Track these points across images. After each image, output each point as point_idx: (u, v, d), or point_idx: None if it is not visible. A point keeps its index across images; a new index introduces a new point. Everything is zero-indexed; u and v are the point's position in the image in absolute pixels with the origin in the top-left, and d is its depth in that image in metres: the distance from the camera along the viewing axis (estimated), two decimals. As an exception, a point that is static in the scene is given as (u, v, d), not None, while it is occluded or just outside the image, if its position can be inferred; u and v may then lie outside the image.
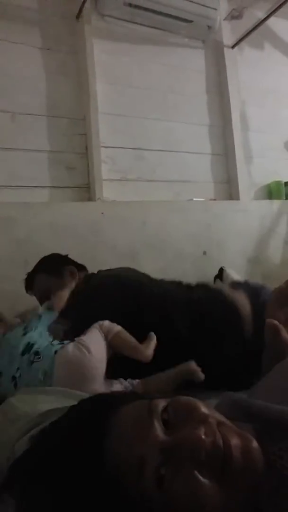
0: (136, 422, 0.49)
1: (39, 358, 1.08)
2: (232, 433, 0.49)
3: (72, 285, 1.45)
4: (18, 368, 1.08)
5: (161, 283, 1.43)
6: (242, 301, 1.32)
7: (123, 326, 1.20)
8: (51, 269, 1.51)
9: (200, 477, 0.45)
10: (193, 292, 1.40)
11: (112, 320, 1.21)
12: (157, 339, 1.20)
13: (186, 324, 1.25)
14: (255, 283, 1.57)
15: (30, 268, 1.81)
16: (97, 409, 0.54)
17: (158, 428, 0.48)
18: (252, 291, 1.39)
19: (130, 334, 1.19)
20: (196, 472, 0.45)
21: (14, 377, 1.08)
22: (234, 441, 0.47)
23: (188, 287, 1.45)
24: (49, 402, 0.91)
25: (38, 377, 1.05)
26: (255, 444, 0.48)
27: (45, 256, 1.59)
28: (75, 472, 0.47)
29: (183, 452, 0.46)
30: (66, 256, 1.60)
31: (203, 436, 0.47)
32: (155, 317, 1.26)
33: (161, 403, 0.51)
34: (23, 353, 1.10)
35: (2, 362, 1.12)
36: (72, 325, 1.24)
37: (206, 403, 0.54)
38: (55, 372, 1.04)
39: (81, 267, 1.57)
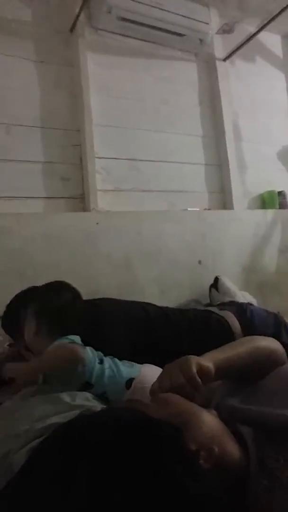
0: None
1: None
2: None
3: None
4: None
5: (160, 313, 1.44)
6: (231, 318, 1.38)
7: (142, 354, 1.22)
8: None
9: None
10: (189, 314, 1.45)
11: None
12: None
13: (190, 341, 1.29)
14: (240, 303, 1.65)
15: (24, 279, 1.81)
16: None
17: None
18: (239, 309, 1.45)
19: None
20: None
21: None
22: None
23: (181, 311, 1.51)
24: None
25: None
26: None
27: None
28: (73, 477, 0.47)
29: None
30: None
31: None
32: (168, 344, 1.30)
33: None
34: None
35: None
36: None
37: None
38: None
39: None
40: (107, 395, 1.07)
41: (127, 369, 1.11)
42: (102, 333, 1.26)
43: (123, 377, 1.09)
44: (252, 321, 1.36)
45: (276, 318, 1.41)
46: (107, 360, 1.14)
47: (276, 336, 1.28)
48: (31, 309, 1.26)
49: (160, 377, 0.70)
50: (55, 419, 0.87)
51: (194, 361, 0.69)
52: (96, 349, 1.16)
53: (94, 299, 1.51)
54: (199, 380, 0.66)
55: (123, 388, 1.07)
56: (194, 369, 0.67)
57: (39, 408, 0.93)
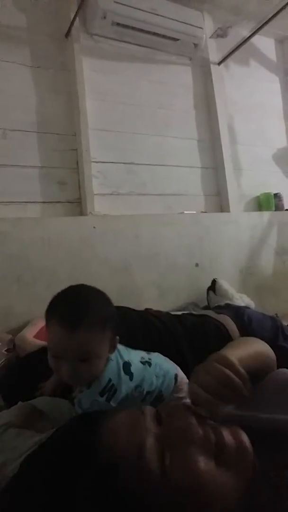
0: (131, 420, 0.51)
1: None
2: (221, 426, 0.52)
3: None
4: None
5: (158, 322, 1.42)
6: (229, 323, 1.35)
7: None
8: None
9: (198, 456, 0.47)
10: (186, 321, 1.41)
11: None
12: None
13: (191, 350, 1.26)
14: (236, 306, 1.62)
15: (22, 283, 1.81)
16: (90, 418, 0.56)
17: (152, 422, 0.51)
18: (236, 313, 1.43)
19: None
20: (194, 449, 0.47)
21: None
22: (225, 430, 0.51)
23: (178, 319, 1.45)
24: None
25: None
26: (243, 433, 0.51)
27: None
28: (70, 469, 0.47)
29: (179, 435, 0.49)
30: None
31: (193, 422, 0.50)
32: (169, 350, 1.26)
33: (153, 409, 0.54)
34: None
35: None
36: None
37: None
38: None
39: None
40: (162, 394, 0.98)
41: (164, 362, 1.01)
42: None
43: (168, 373, 0.98)
44: (250, 325, 1.34)
45: (273, 321, 1.40)
46: (153, 360, 1.02)
47: (273, 339, 1.28)
48: None
49: (198, 377, 0.60)
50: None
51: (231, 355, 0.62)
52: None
53: None
54: (244, 371, 0.58)
55: (172, 385, 0.98)
56: (236, 361, 0.60)
57: None
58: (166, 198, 2.38)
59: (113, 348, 0.85)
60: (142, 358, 0.95)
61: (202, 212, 2.48)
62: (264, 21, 2.39)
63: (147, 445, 0.47)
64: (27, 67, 2.07)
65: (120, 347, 0.90)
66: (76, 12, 2.07)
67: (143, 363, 0.93)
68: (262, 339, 1.25)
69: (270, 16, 2.32)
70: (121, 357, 0.89)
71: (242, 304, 1.91)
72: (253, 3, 2.56)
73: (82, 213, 2.09)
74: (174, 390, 0.95)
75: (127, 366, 0.88)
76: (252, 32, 2.51)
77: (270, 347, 1.26)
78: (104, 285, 1.75)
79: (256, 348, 0.79)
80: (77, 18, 2.10)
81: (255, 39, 2.68)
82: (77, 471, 0.46)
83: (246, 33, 2.59)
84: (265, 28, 2.44)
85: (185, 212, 2.39)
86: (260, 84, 2.94)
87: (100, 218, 2.07)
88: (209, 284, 2.17)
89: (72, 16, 2.10)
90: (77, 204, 2.11)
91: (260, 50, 2.98)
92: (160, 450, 0.46)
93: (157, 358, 0.99)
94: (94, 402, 0.80)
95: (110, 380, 0.82)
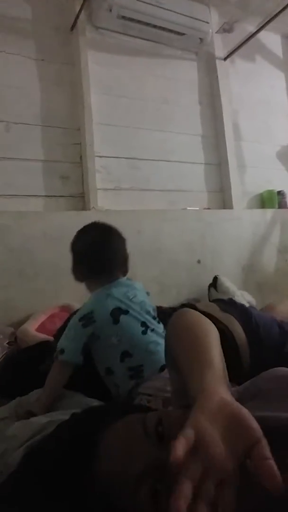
0: (130, 438, 0.47)
1: None
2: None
3: None
4: None
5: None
6: (236, 327, 1.25)
7: None
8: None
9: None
10: None
11: None
12: None
13: None
14: (242, 305, 1.52)
15: (24, 277, 1.81)
16: (86, 427, 0.52)
17: (153, 444, 0.46)
18: (242, 313, 1.34)
19: None
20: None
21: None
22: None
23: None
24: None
25: None
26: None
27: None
28: (64, 496, 0.46)
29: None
30: None
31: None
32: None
33: (155, 417, 0.49)
34: None
35: None
36: None
37: None
38: None
39: None
40: (143, 369, 1.06)
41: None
42: None
43: (158, 356, 1.06)
44: (257, 331, 1.24)
45: (280, 327, 1.29)
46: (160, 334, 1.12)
47: (281, 346, 1.20)
48: None
49: (198, 424, 0.43)
50: (46, 419, 0.88)
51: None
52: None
53: None
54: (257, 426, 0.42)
55: (157, 369, 1.05)
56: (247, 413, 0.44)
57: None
58: (169, 194, 2.37)
59: None
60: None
61: (205, 208, 2.47)
62: (270, 17, 2.37)
63: (143, 478, 0.44)
64: (31, 59, 2.06)
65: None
66: (82, 5, 2.06)
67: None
68: (269, 347, 1.20)
69: (276, 11, 2.31)
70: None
71: (244, 302, 1.90)
72: (260, -2, 2.53)
73: (84, 207, 2.08)
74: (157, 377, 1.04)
75: None
76: (259, 27, 2.49)
77: (277, 354, 1.21)
78: (106, 280, 1.73)
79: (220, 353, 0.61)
80: (83, 11, 2.08)
81: (261, 35, 2.65)
82: (70, 494, 0.45)
83: (252, 29, 2.57)
84: (272, 23, 2.42)
85: (188, 208, 2.38)
86: (266, 81, 2.91)
87: (102, 213, 2.07)
88: (210, 281, 2.17)
89: (78, 9, 2.08)
90: (80, 199, 2.10)
91: (266, 46, 2.95)
92: (155, 485, 0.44)
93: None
94: None
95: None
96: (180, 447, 0.39)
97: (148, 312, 1.18)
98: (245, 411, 0.44)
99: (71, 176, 2.09)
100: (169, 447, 0.44)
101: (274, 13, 2.33)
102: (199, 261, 2.28)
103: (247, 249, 2.49)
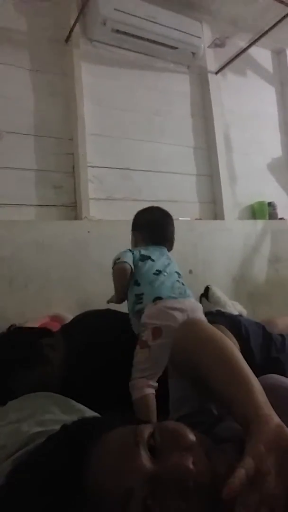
0: (121, 451, 0.47)
1: None
2: (222, 461, 0.48)
3: None
4: None
5: None
6: (226, 333, 1.29)
7: None
8: None
9: (187, 508, 0.43)
10: None
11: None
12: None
13: None
14: (230, 314, 1.57)
15: (14, 286, 1.80)
16: (76, 440, 0.51)
17: (145, 457, 0.46)
18: (231, 322, 1.39)
19: None
20: (183, 502, 0.43)
21: None
22: (223, 470, 0.46)
23: None
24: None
25: None
26: None
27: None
28: (53, 511, 0.45)
29: (170, 482, 0.44)
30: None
31: (190, 466, 0.45)
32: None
33: (148, 429, 0.49)
34: None
35: None
36: None
37: (193, 429, 0.51)
38: None
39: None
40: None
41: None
42: None
43: (159, 291, 1.25)
44: (248, 338, 1.29)
45: (264, 332, 1.36)
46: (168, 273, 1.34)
47: (267, 351, 1.26)
48: None
49: (258, 454, 0.45)
50: (37, 428, 0.86)
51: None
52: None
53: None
54: None
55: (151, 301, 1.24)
56: None
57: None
58: (161, 204, 2.34)
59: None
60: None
61: (196, 219, 2.49)
62: (261, 33, 2.43)
63: (133, 493, 0.43)
64: (26, 70, 2.07)
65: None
66: (77, 18, 2.09)
67: None
68: (258, 353, 1.22)
69: (267, 28, 2.37)
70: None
71: (235, 312, 1.91)
72: (251, 15, 2.60)
73: (77, 217, 2.09)
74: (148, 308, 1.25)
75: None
76: (250, 43, 2.55)
77: (264, 360, 1.23)
78: (97, 290, 1.76)
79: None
80: (77, 24, 2.11)
81: (252, 50, 2.72)
82: (59, 509, 0.45)
83: (243, 44, 2.63)
84: (262, 39, 2.49)
85: (180, 218, 2.40)
86: (256, 94, 2.97)
87: (94, 222, 2.07)
88: (202, 291, 2.17)
89: (73, 22, 2.11)
90: (72, 208, 2.11)
91: (257, 61, 3.02)
92: (149, 493, 0.43)
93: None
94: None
95: None
96: (238, 480, 0.41)
97: (172, 274, 1.37)
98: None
99: (64, 185, 2.10)
100: (160, 464, 0.44)
101: (265, 29, 2.39)
102: (190, 271, 2.28)
103: (238, 260, 2.51)
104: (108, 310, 1.45)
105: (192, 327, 0.73)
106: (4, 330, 1.72)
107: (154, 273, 1.32)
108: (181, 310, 1.21)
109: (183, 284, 1.35)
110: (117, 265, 1.37)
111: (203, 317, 1.27)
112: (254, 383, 0.55)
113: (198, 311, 1.27)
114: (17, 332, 1.32)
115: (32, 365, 1.12)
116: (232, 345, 0.65)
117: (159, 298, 1.24)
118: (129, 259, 1.36)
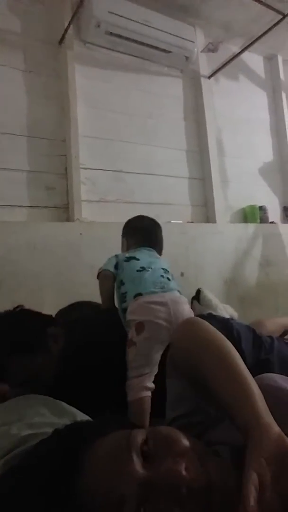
0: (114, 457, 0.47)
1: None
2: (215, 465, 0.48)
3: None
4: None
5: None
6: None
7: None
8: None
9: None
10: None
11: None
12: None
13: None
14: (222, 318, 1.56)
15: (4, 287, 1.78)
16: (69, 445, 0.50)
17: (138, 463, 0.46)
18: (223, 325, 1.36)
19: None
20: (176, 508, 0.43)
21: None
22: (217, 475, 0.46)
23: None
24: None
25: None
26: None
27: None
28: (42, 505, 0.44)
29: (163, 488, 0.44)
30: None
31: (183, 472, 0.45)
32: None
33: (141, 435, 0.49)
34: None
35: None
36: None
37: (187, 434, 0.51)
38: None
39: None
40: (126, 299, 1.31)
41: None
42: None
43: (140, 287, 1.29)
44: (239, 342, 1.27)
45: (255, 336, 1.37)
46: (153, 268, 1.37)
47: (257, 352, 1.27)
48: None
49: (256, 466, 0.45)
50: (28, 431, 0.86)
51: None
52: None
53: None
54: None
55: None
56: None
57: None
58: (153, 207, 2.39)
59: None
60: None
61: (188, 222, 2.50)
62: (253, 39, 2.46)
63: (127, 499, 0.43)
64: (19, 71, 2.07)
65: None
66: (71, 20, 2.09)
67: None
68: (248, 355, 1.23)
69: (259, 34, 2.40)
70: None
71: (226, 315, 1.92)
72: (244, 21, 2.63)
73: (69, 219, 2.08)
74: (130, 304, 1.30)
75: None
76: (242, 48, 2.58)
77: (255, 361, 1.25)
78: (89, 292, 1.75)
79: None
80: (71, 25, 2.11)
81: (245, 56, 2.75)
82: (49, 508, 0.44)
83: (236, 49, 2.66)
84: (255, 45, 2.52)
85: (172, 221, 2.41)
86: (249, 99, 3.00)
87: (87, 224, 2.07)
88: (193, 293, 2.18)
89: (66, 24, 2.11)
90: (64, 210, 2.10)
91: (249, 66, 3.05)
92: (142, 499, 0.43)
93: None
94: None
95: None
96: (253, 500, 0.42)
97: (157, 270, 1.39)
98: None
99: (56, 187, 2.09)
100: (153, 469, 0.44)
101: (257, 35, 2.42)
102: (182, 274, 2.29)
103: (229, 263, 2.52)
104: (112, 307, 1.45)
105: (191, 326, 0.72)
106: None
107: (137, 270, 1.36)
108: (161, 304, 1.23)
109: (168, 279, 1.37)
110: (100, 274, 1.44)
111: (188, 309, 1.31)
112: (254, 389, 0.55)
113: (181, 304, 1.29)
114: (25, 314, 1.26)
115: (33, 351, 1.11)
116: (232, 347, 0.65)
117: (140, 294, 1.27)
118: (110, 265, 1.42)
